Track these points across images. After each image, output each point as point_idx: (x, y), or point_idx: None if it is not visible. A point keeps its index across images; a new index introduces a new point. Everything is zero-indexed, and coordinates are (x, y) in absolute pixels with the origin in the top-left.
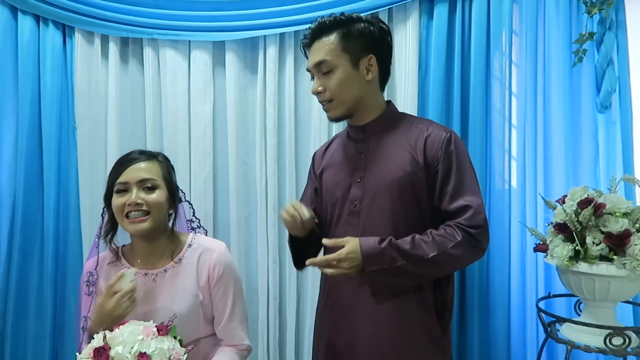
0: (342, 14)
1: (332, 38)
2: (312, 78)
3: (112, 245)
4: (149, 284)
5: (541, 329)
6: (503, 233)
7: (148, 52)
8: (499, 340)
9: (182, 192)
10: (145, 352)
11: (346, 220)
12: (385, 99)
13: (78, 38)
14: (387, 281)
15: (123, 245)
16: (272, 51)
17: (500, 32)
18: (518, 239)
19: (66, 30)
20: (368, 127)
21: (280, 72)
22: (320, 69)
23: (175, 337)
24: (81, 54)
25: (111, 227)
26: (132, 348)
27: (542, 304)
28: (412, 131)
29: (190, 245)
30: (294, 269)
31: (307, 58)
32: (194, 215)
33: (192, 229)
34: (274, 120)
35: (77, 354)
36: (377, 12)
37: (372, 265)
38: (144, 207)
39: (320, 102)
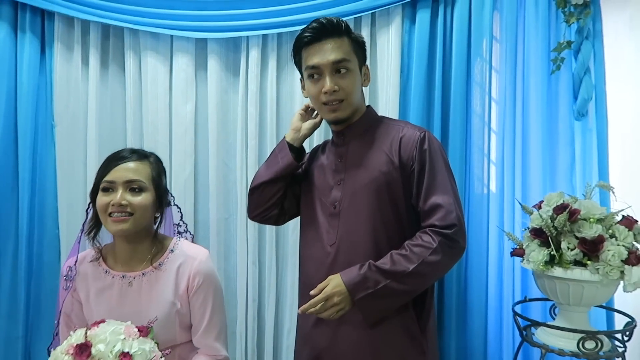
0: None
1: (345, 40)
2: (312, 76)
3: (95, 242)
4: (125, 287)
5: (517, 332)
6: (481, 237)
7: (129, 52)
8: (475, 343)
9: (172, 195)
10: (128, 352)
11: (327, 222)
12: (368, 103)
13: (58, 35)
14: (379, 306)
15: (105, 245)
16: (254, 53)
17: (481, 39)
18: (496, 244)
19: (46, 27)
20: (347, 132)
21: (262, 74)
22: (337, 68)
23: (152, 339)
24: (61, 51)
25: (95, 224)
26: (114, 347)
27: (518, 308)
28: (389, 132)
29: (172, 250)
30: (273, 271)
31: (300, 53)
32: (181, 219)
33: (179, 232)
34: (256, 122)
35: (52, 349)
36: (360, 16)
37: (358, 293)
38: (128, 209)
39: (326, 102)
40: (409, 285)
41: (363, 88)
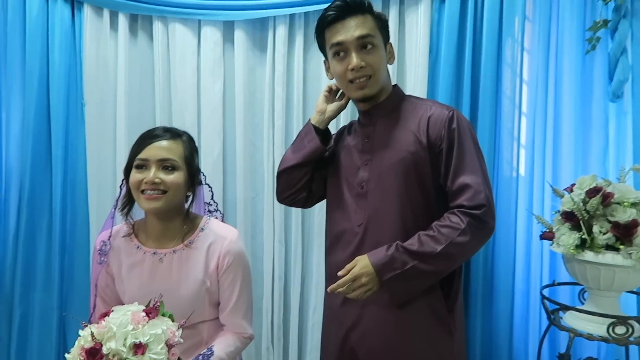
0: None
1: (368, 17)
2: (337, 54)
3: (128, 218)
4: (156, 264)
5: (544, 316)
6: (509, 220)
7: (157, 29)
8: (501, 326)
9: (203, 174)
10: (140, 342)
11: (355, 203)
12: (395, 83)
13: (87, 13)
14: (406, 287)
15: (137, 221)
16: (281, 32)
17: (513, 18)
18: (524, 227)
19: (75, 5)
20: (374, 111)
21: (289, 53)
22: (363, 43)
23: (164, 314)
24: (90, 30)
25: (128, 201)
26: (125, 340)
27: (546, 292)
28: (416, 112)
29: (202, 229)
30: (299, 250)
31: (322, 37)
32: (212, 198)
33: (209, 212)
34: (282, 102)
35: (67, 355)
36: None
37: (386, 274)
38: (161, 187)
39: (352, 79)
40: (436, 267)
41: (389, 67)
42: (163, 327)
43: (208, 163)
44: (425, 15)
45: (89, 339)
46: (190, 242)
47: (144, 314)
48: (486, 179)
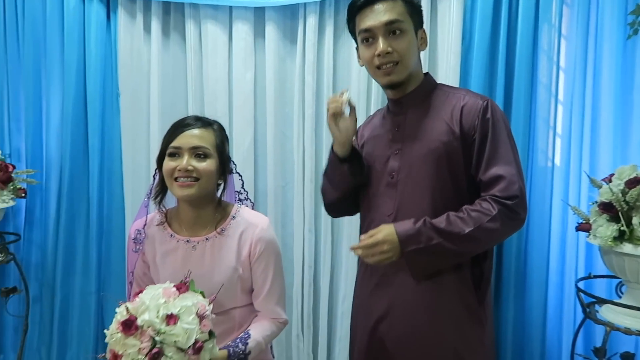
0: None
1: (399, 2)
2: (365, 40)
3: (161, 207)
4: (189, 251)
5: (579, 309)
6: (544, 211)
7: (189, 21)
8: (533, 318)
9: (234, 163)
10: (172, 313)
11: (384, 192)
12: (426, 71)
13: (121, 6)
14: (426, 261)
15: (170, 209)
16: (312, 20)
17: (550, 2)
18: (559, 218)
19: None
20: (405, 100)
21: (319, 41)
22: (391, 29)
23: (195, 291)
24: (124, 23)
25: (161, 189)
26: (158, 312)
27: (581, 284)
28: (449, 101)
29: (234, 217)
30: (329, 239)
31: (354, 24)
32: (242, 187)
33: (240, 200)
34: (312, 91)
35: (105, 331)
36: None
37: (409, 246)
38: (194, 174)
39: (379, 65)
40: (460, 248)
41: (421, 55)
42: (193, 300)
43: (239, 152)
44: (458, 1)
45: (124, 313)
46: (222, 230)
47: (174, 289)
48: (520, 171)
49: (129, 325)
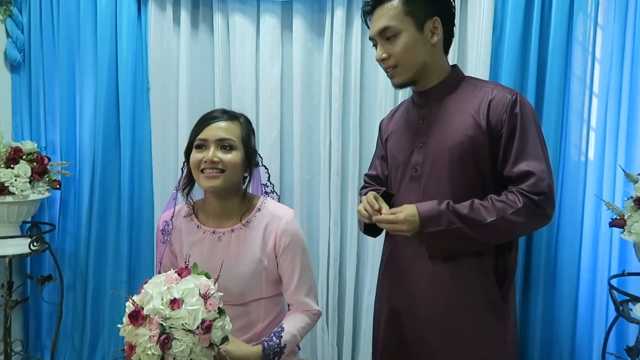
0: None
1: (395, 2)
2: (374, 45)
3: (189, 199)
4: (215, 242)
5: (611, 307)
6: (576, 206)
7: (218, 16)
8: (563, 315)
9: (260, 156)
10: (175, 298)
11: (407, 186)
12: (454, 63)
13: (152, 1)
14: (445, 244)
15: (197, 201)
16: (339, 13)
17: None
18: (592, 213)
19: None
20: (431, 92)
21: (347, 35)
22: (384, 35)
23: (199, 274)
24: (154, 18)
25: (189, 181)
26: (162, 299)
27: (614, 282)
28: (476, 94)
29: (259, 209)
30: (355, 231)
31: (369, 27)
32: (269, 179)
33: (266, 193)
34: (340, 84)
35: (119, 326)
36: None
37: (429, 227)
38: (220, 166)
39: (384, 69)
40: (480, 236)
41: (436, 44)
42: (196, 282)
43: (266, 145)
44: None
45: (132, 306)
46: (247, 222)
47: (176, 275)
48: (549, 167)
49: (136, 317)
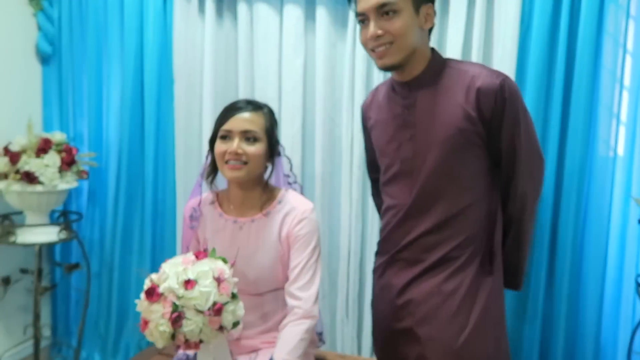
0: None
1: None
2: (361, 21)
3: (213, 186)
4: (236, 231)
5: (638, 306)
6: (603, 203)
7: (242, 8)
8: (588, 314)
9: (282, 146)
10: (190, 279)
11: (399, 180)
12: (481, 58)
13: None
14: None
15: (221, 190)
16: None
17: None
18: (620, 210)
19: None
20: (413, 82)
21: None
22: (382, 11)
23: (216, 258)
24: (180, 11)
25: (212, 170)
26: (178, 278)
27: None
28: (462, 80)
29: (280, 201)
30: (376, 225)
31: (355, 1)
32: (290, 170)
33: (288, 183)
34: (363, 77)
35: (136, 301)
36: None
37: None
38: (243, 158)
39: (372, 48)
40: (531, 228)
41: (426, 30)
42: (211, 265)
43: (287, 138)
44: None
45: (149, 283)
46: (268, 213)
47: (193, 257)
48: (538, 145)
49: (151, 293)
